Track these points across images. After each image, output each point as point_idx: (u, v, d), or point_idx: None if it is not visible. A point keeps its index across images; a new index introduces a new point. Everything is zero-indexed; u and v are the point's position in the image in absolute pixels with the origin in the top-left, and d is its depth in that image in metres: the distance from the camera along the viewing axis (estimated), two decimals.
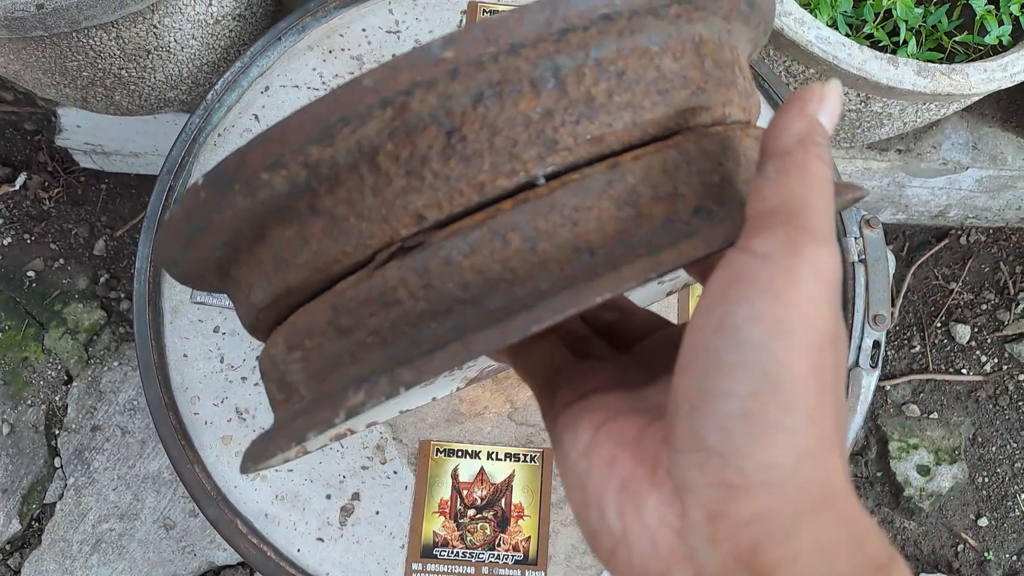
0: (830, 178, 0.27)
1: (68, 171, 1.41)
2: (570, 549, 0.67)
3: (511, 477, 0.69)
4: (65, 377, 1.34)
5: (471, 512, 0.68)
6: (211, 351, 0.70)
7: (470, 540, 0.67)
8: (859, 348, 0.66)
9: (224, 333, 0.70)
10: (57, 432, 1.32)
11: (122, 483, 1.28)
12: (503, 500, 0.69)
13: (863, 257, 0.68)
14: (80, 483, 1.29)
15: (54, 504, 1.28)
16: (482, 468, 0.69)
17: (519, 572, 0.67)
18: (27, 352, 1.34)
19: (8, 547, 1.26)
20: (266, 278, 0.32)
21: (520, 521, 0.68)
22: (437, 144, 0.29)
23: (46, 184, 1.41)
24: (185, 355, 0.69)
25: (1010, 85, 0.88)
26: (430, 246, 0.30)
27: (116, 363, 1.34)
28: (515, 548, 0.68)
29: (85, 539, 1.26)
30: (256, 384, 0.70)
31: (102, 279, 1.38)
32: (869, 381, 0.65)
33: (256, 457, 0.33)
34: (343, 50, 0.78)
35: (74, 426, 1.31)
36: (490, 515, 0.68)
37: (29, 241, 1.39)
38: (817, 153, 0.27)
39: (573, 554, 0.67)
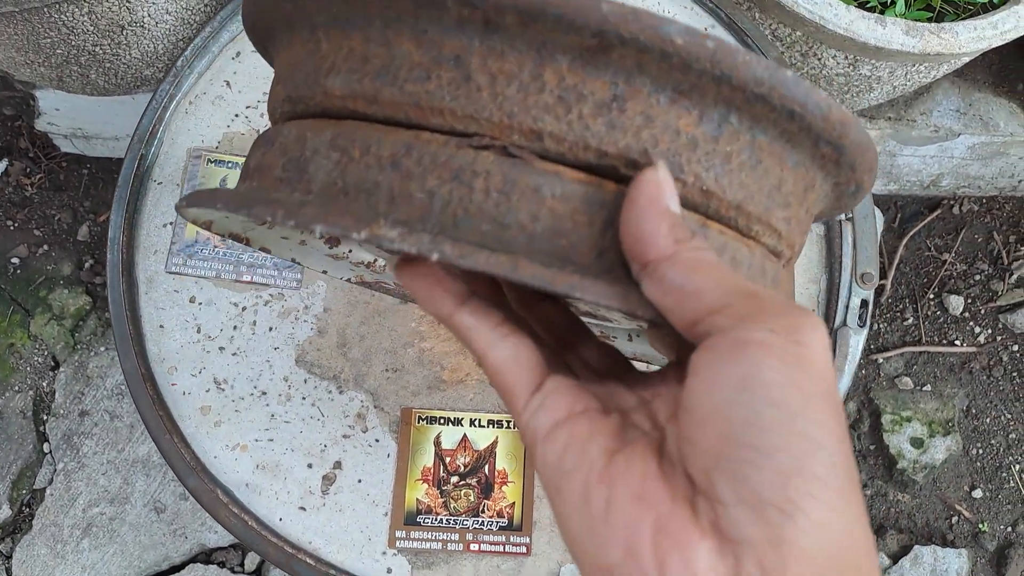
0: (714, 261, 0.29)
1: (50, 156, 1.40)
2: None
3: (494, 444, 0.68)
4: (52, 363, 1.33)
5: (454, 479, 0.67)
6: (188, 321, 0.69)
7: (454, 507, 0.67)
8: (847, 307, 0.65)
9: (200, 303, 0.69)
10: (45, 418, 1.31)
11: (111, 467, 1.27)
12: (486, 467, 0.68)
13: (851, 216, 0.67)
14: (70, 468, 1.28)
15: (44, 489, 1.27)
16: (465, 435, 0.68)
17: (504, 538, 0.67)
18: (13, 338, 1.33)
19: None
20: (356, 73, 0.32)
21: (504, 487, 0.67)
22: (600, 95, 0.30)
23: (28, 170, 1.40)
24: (161, 326, 0.68)
25: (1000, 43, 0.87)
26: (531, 168, 0.30)
27: (103, 348, 1.33)
28: (499, 514, 0.67)
29: (76, 523, 1.25)
30: (235, 355, 0.68)
31: (87, 264, 1.37)
32: (857, 340, 0.64)
33: (230, 203, 0.32)
34: None
35: (62, 411, 1.30)
36: (474, 482, 0.67)
37: (12, 228, 1.37)
38: (699, 248, 0.29)
39: None
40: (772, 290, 0.34)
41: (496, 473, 0.67)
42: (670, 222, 0.29)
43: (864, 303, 0.64)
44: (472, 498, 0.67)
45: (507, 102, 0.30)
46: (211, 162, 0.70)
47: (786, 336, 0.25)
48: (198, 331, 0.68)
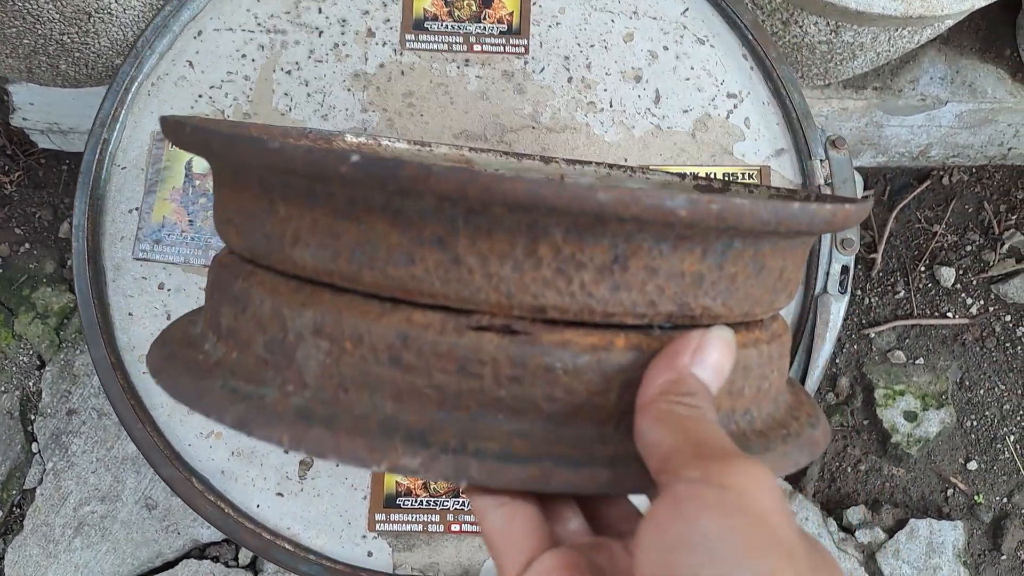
0: (701, 416, 0.28)
1: (27, 153, 1.38)
2: None
3: None
4: (38, 362, 1.32)
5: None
6: (157, 308, 0.67)
7: (433, 488, 0.66)
8: (827, 273, 0.64)
9: (169, 290, 0.68)
10: (33, 417, 1.29)
11: (101, 465, 1.26)
12: None
13: (830, 181, 0.66)
14: (59, 467, 1.27)
15: (34, 489, 1.26)
16: None
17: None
18: None
19: None
20: (327, 249, 0.30)
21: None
22: (600, 260, 0.29)
23: (6, 168, 1.38)
24: (130, 313, 0.67)
25: (984, 4, 0.86)
26: (538, 343, 0.29)
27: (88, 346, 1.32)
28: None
29: (67, 523, 1.24)
30: None
31: (69, 262, 1.36)
32: (838, 307, 0.63)
33: (225, 414, 0.30)
34: None
35: (49, 411, 1.29)
36: None
37: None
38: (679, 402, 0.28)
39: None
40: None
41: None
42: (672, 377, 0.29)
43: (845, 269, 0.63)
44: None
45: (503, 283, 0.29)
46: (175, 145, 0.69)
47: (719, 482, 0.24)
48: (168, 318, 0.67)
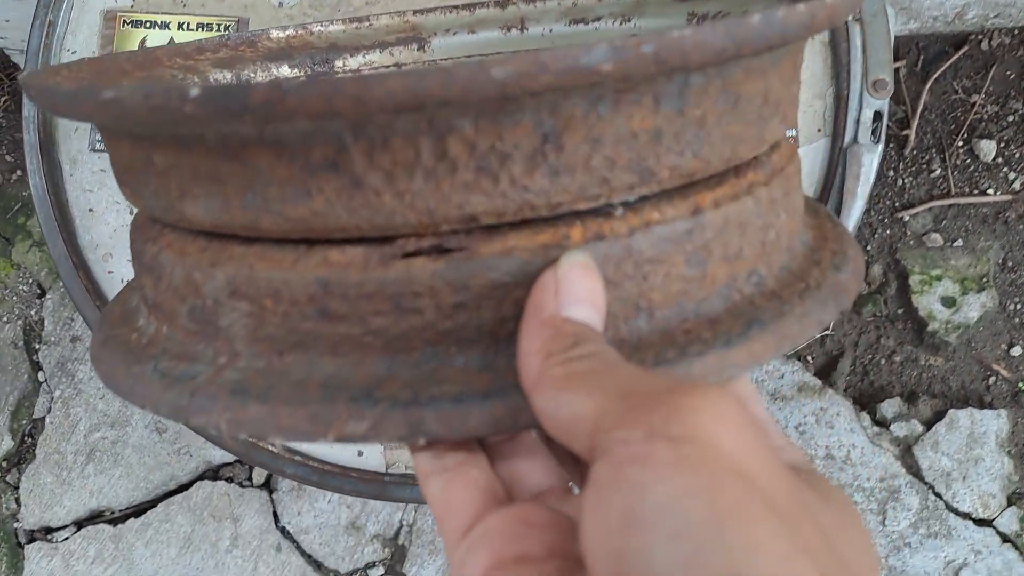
0: (606, 363, 0.23)
1: (12, 77, 1.34)
2: None
3: None
4: (38, 290, 1.31)
5: None
6: (119, 203, 0.62)
7: None
8: (857, 121, 0.56)
9: None
10: (37, 346, 1.29)
11: (109, 391, 1.25)
12: None
13: (859, 15, 0.58)
14: (67, 395, 1.26)
15: (43, 418, 1.27)
16: None
17: None
18: None
19: (4, 464, 1.26)
20: (216, 198, 0.26)
21: None
22: (527, 145, 0.24)
23: None
24: (91, 210, 0.62)
25: None
26: (478, 257, 0.25)
27: None
28: None
29: (79, 449, 1.24)
30: None
31: None
32: (871, 159, 0.56)
33: (160, 404, 0.27)
34: None
35: (53, 339, 1.28)
36: None
37: None
38: (571, 358, 0.23)
39: None
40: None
41: None
42: (547, 335, 0.23)
43: (878, 115, 0.56)
44: None
45: (418, 197, 0.24)
46: (127, 23, 0.63)
47: (668, 433, 0.18)
48: (131, 212, 0.62)
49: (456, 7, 0.49)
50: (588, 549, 0.19)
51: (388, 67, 0.51)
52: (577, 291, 0.24)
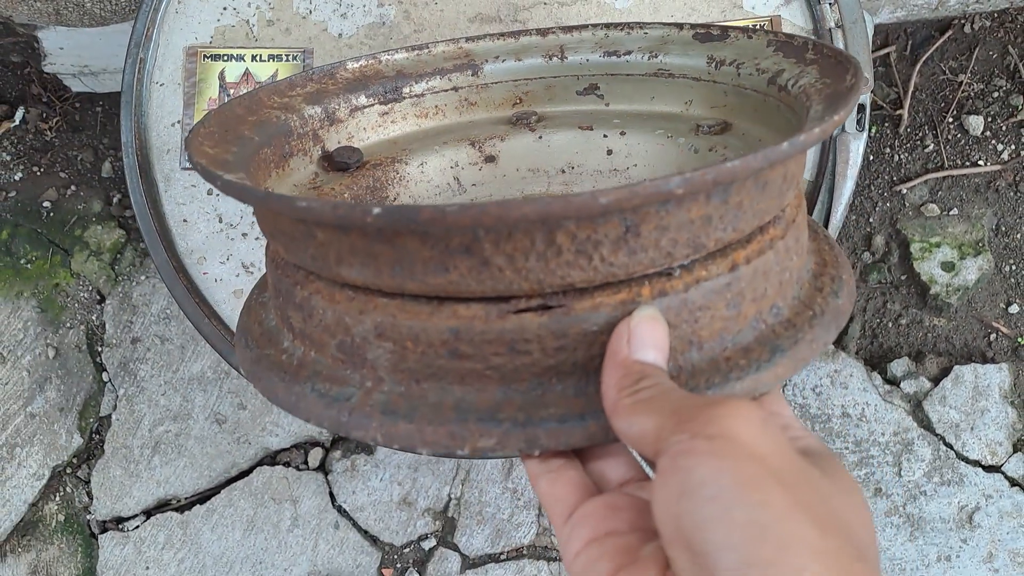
0: (664, 391, 0.30)
1: (62, 99, 1.42)
2: None
3: None
4: (98, 297, 1.37)
5: None
6: (208, 213, 0.71)
7: None
8: None
9: (218, 194, 0.72)
10: (100, 349, 1.35)
11: (169, 387, 1.33)
12: None
13: (840, 23, 0.67)
14: (130, 393, 1.33)
15: (110, 415, 1.32)
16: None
17: None
18: (57, 279, 1.38)
19: (75, 461, 1.31)
20: (369, 268, 0.33)
21: None
22: (614, 235, 0.31)
23: (44, 115, 1.42)
24: (185, 220, 0.71)
25: None
26: (573, 313, 0.32)
27: (143, 277, 1.37)
28: None
29: (144, 443, 1.30)
30: (258, 239, 0.71)
31: (115, 199, 1.40)
32: (857, 145, 0.65)
33: (302, 408, 0.34)
34: None
35: (114, 341, 1.35)
36: None
37: (39, 173, 1.41)
38: (638, 390, 0.30)
39: None
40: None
41: None
42: (622, 373, 0.31)
43: (860, 107, 0.65)
44: None
45: (531, 272, 0.31)
46: (207, 58, 0.72)
47: (705, 434, 0.26)
48: (220, 220, 0.71)
49: (503, 34, 0.57)
50: (657, 518, 0.28)
51: (447, 91, 0.58)
52: (645, 338, 0.32)
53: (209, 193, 0.72)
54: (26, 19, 1.08)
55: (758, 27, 0.68)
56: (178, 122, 0.72)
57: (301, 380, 0.35)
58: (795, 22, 0.70)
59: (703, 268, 0.33)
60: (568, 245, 0.31)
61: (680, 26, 0.54)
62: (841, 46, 0.66)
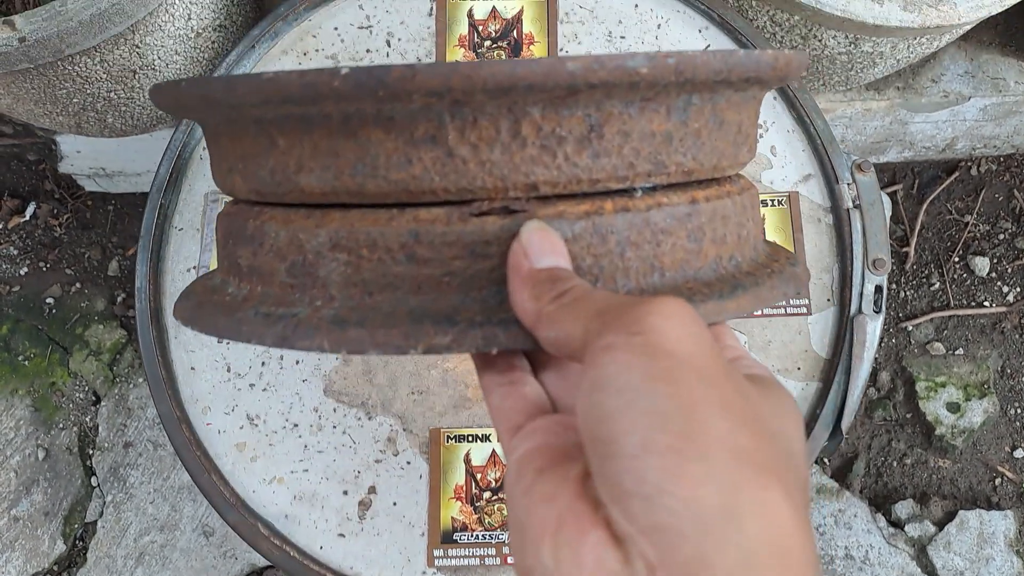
0: (582, 293, 0.29)
1: (75, 196, 1.43)
2: None
3: None
4: (93, 398, 1.36)
5: (487, 495, 0.69)
6: (217, 361, 0.71)
7: (488, 522, 0.68)
8: (861, 295, 0.65)
9: (228, 343, 0.71)
10: (91, 452, 1.33)
11: (159, 495, 1.30)
12: None
13: (858, 203, 0.67)
14: (118, 499, 1.30)
15: (95, 522, 1.29)
16: (493, 451, 0.69)
17: None
18: (54, 377, 1.36)
19: (56, 568, 1.28)
20: (330, 170, 0.32)
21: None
22: (578, 131, 0.31)
23: (55, 211, 1.43)
24: (192, 368, 0.70)
25: (1001, 10, 0.86)
26: (535, 217, 0.32)
27: (141, 380, 1.36)
28: None
29: (128, 553, 1.28)
30: (264, 390, 0.70)
31: (119, 299, 1.40)
32: (874, 327, 0.65)
33: (258, 333, 0.33)
34: (317, 51, 0.78)
35: (107, 445, 1.33)
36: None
37: (45, 268, 1.41)
38: (555, 296, 0.29)
39: None
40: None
41: None
42: (531, 284, 0.30)
43: (878, 289, 0.65)
44: (504, 513, 0.69)
45: (495, 167, 0.31)
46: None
47: (627, 332, 0.26)
48: (228, 370, 0.70)
49: None
50: (577, 414, 0.27)
51: None
52: (540, 247, 0.31)
53: (219, 342, 0.71)
54: (47, 127, 1.09)
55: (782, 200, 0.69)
56: (193, 268, 0.72)
57: (244, 309, 0.34)
58: (813, 199, 0.70)
59: (664, 195, 0.34)
60: (533, 137, 0.31)
61: None
62: (859, 226, 0.66)
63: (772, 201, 0.70)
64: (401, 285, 0.32)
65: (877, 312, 0.64)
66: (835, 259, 0.68)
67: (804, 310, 0.68)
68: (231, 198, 0.40)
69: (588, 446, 0.26)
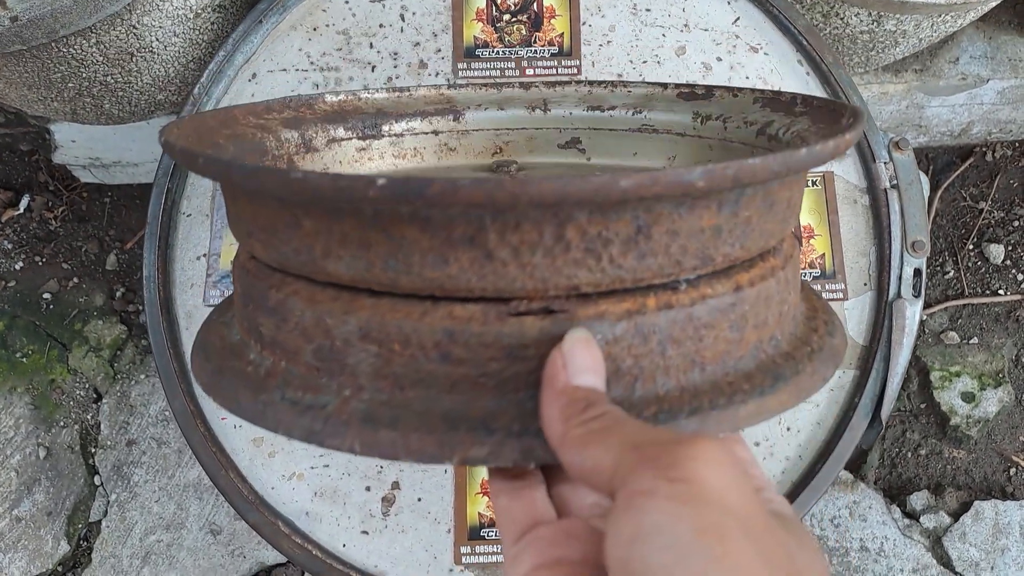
0: (616, 420, 0.28)
1: (70, 188, 1.40)
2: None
3: None
4: (94, 395, 1.34)
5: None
6: None
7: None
8: (899, 278, 0.63)
9: None
10: (93, 450, 1.31)
11: (164, 494, 1.28)
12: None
13: (895, 182, 0.65)
14: (122, 498, 1.28)
15: (99, 522, 1.28)
16: None
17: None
18: (53, 374, 1.34)
19: (60, 569, 1.26)
20: (361, 260, 0.31)
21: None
22: (625, 233, 0.30)
23: (50, 204, 1.40)
24: None
25: None
26: (576, 319, 0.30)
27: (143, 376, 1.33)
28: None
29: (134, 553, 1.26)
30: None
31: (118, 293, 1.37)
32: (913, 311, 0.62)
33: (292, 427, 0.31)
34: (328, 26, 0.75)
35: (109, 443, 1.31)
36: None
37: (41, 263, 1.38)
38: (587, 420, 0.28)
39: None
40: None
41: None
42: (563, 402, 0.29)
43: (917, 272, 0.63)
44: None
45: (536, 269, 0.30)
46: None
47: (668, 476, 0.24)
48: None
49: (485, 84, 0.56)
50: (607, 556, 0.25)
51: (427, 133, 0.57)
52: (581, 362, 0.30)
53: None
54: (41, 114, 1.06)
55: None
56: (203, 255, 0.70)
57: (269, 389, 0.32)
58: (848, 179, 0.68)
59: (708, 286, 0.32)
60: (577, 241, 0.29)
61: (664, 85, 0.53)
62: (897, 207, 0.64)
63: (806, 182, 0.68)
64: (434, 383, 0.31)
65: (916, 296, 0.62)
66: (872, 242, 0.66)
67: (840, 295, 0.66)
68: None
69: None
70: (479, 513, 0.66)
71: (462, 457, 0.29)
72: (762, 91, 0.49)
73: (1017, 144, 1.33)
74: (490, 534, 0.65)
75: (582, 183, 0.26)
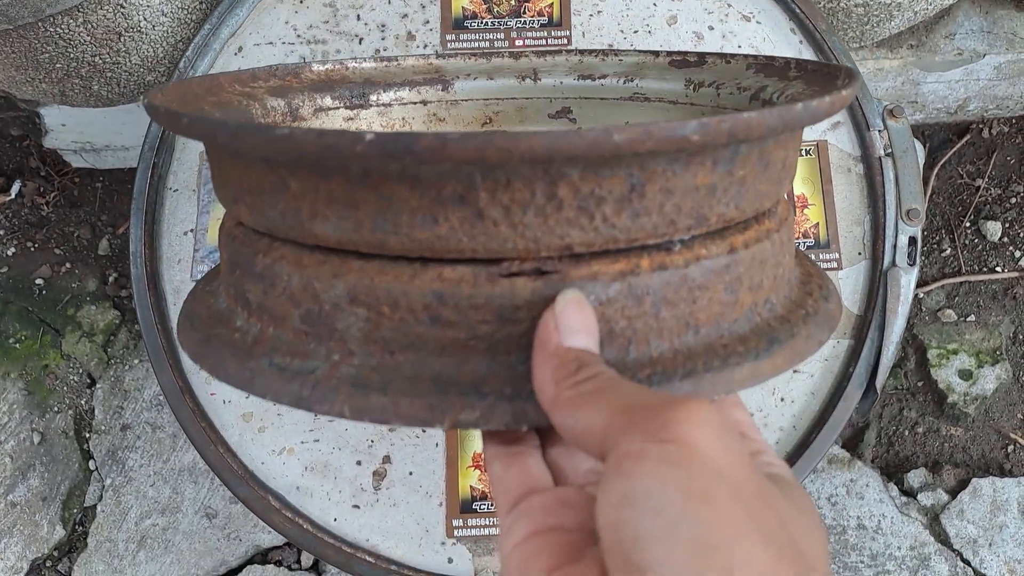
0: (608, 382, 0.28)
1: (61, 173, 1.39)
2: None
3: None
4: (88, 380, 1.33)
5: None
6: None
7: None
8: (895, 247, 0.62)
9: None
10: (88, 435, 1.31)
11: (159, 478, 1.28)
12: None
13: (890, 151, 0.64)
14: (117, 483, 1.28)
15: (95, 506, 1.27)
16: None
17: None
18: (47, 360, 1.33)
19: (56, 553, 1.26)
20: (348, 220, 0.30)
21: None
22: (618, 191, 0.29)
23: (41, 189, 1.39)
24: None
25: None
26: (568, 279, 0.30)
27: (136, 360, 1.33)
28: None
29: (130, 537, 1.25)
30: None
31: (111, 278, 1.37)
32: (908, 280, 0.62)
33: (279, 392, 0.31)
34: None
35: (103, 427, 1.31)
36: None
37: (33, 249, 1.37)
38: (579, 381, 0.28)
39: None
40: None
41: None
42: (556, 363, 0.28)
43: (912, 240, 0.62)
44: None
45: (528, 229, 0.29)
46: None
47: (659, 438, 0.24)
48: None
49: (474, 53, 0.55)
50: (598, 523, 0.25)
51: (416, 103, 0.56)
52: (574, 323, 0.29)
53: None
54: (30, 97, 1.06)
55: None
56: (191, 231, 0.69)
57: (257, 355, 0.32)
58: (842, 147, 0.67)
59: (703, 246, 0.32)
60: (570, 199, 0.29)
61: (656, 53, 0.53)
62: (891, 175, 0.63)
63: (800, 151, 0.67)
64: (424, 346, 0.30)
65: (912, 264, 0.62)
66: (866, 210, 0.65)
67: (835, 264, 0.65)
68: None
69: (615, 565, 0.24)
70: (471, 486, 0.65)
71: (453, 420, 0.29)
72: (755, 56, 0.48)
73: (1014, 120, 1.33)
74: (482, 507, 0.65)
75: (574, 137, 0.25)
